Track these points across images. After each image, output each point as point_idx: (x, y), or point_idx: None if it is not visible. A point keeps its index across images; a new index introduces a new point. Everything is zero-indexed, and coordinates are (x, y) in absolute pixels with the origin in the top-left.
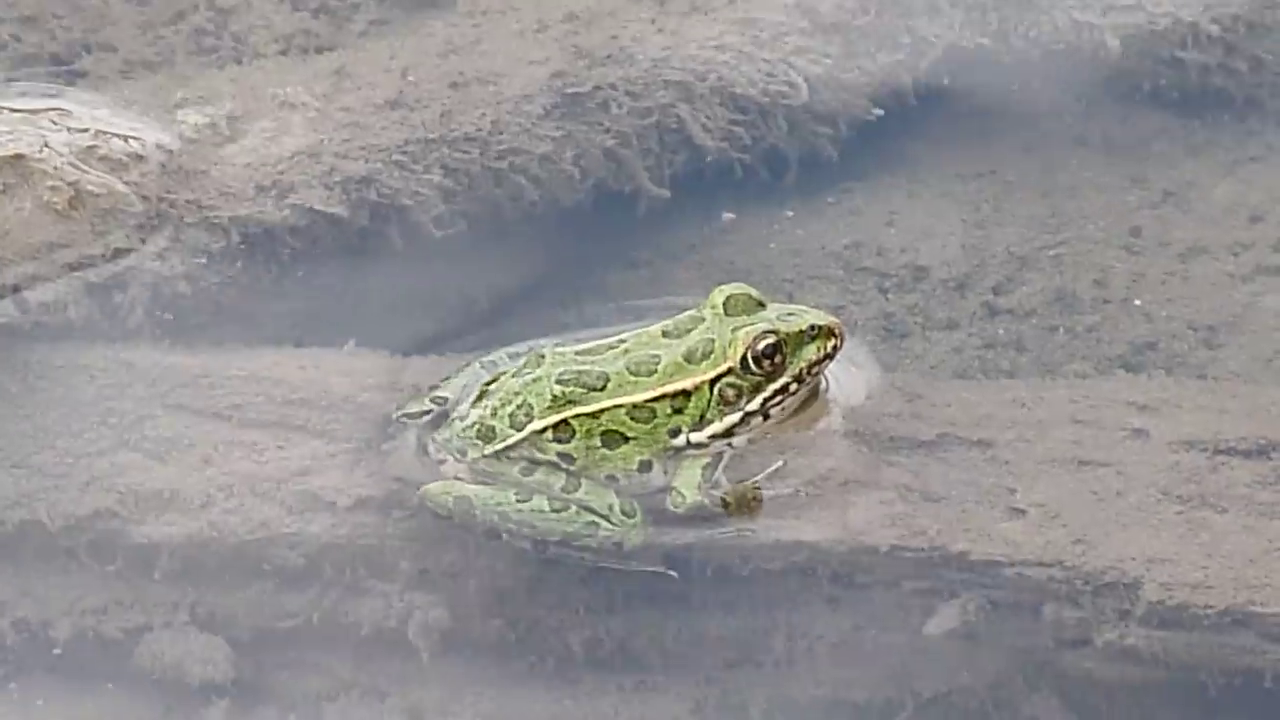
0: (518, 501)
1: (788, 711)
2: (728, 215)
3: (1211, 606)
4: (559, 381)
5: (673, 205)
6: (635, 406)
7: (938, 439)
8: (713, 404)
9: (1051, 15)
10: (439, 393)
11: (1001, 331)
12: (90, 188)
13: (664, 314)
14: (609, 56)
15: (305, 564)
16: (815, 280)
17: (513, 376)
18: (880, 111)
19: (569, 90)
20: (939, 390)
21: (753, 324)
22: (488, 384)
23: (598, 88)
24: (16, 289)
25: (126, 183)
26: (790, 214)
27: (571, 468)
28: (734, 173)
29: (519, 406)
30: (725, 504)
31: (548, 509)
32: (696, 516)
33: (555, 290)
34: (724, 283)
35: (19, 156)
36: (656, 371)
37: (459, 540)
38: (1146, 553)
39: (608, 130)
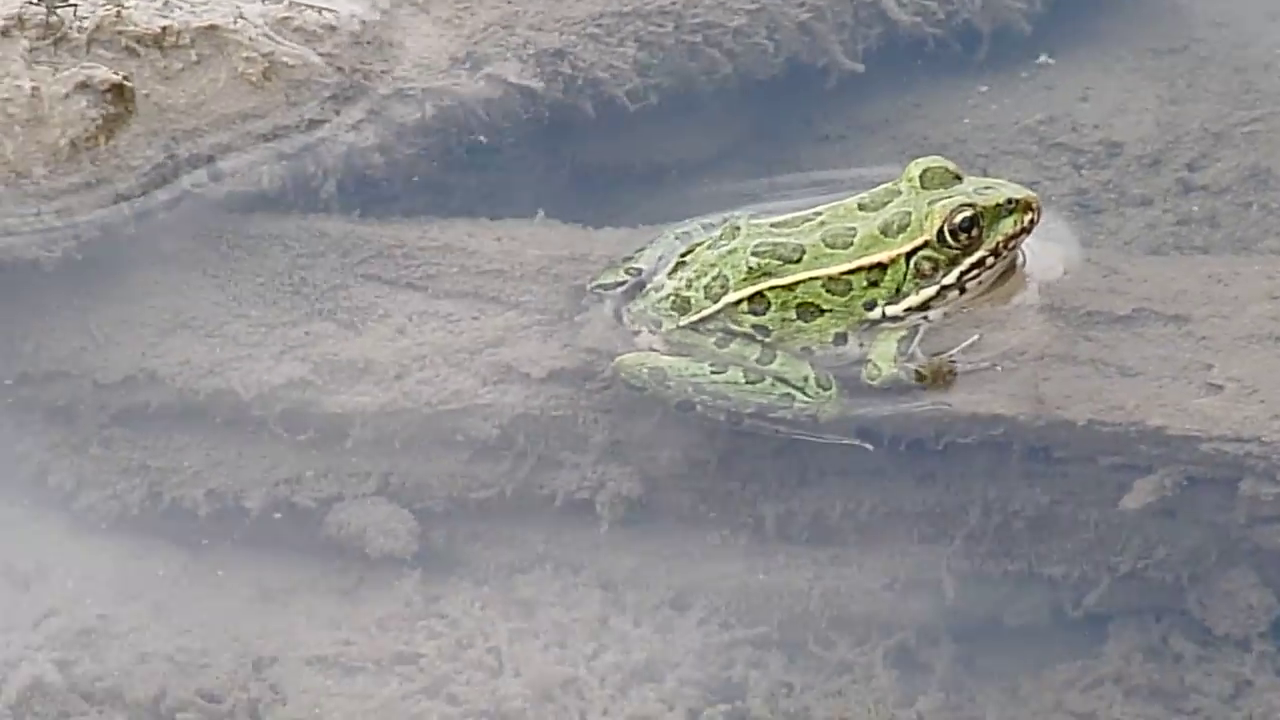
0: (713, 373)
1: (982, 586)
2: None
3: None
4: (754, 253)
5: (866, 79)
6: (831, 279)
7: (1133, 314)
8: (909, 277)
9: None
10: (633, 264)
11: (1196, 208)
12: (284, 59)
13: (856, 188)
14: None
15: (499, 435)
16: (1009, 156)
17: (708, 248)
18: None
19: None
20: (1134, 266)
21: (949, 197)
22: (683, 255)
23: None
24: (211, 159)
25: (320, 54)
26: (984, 89)
27: (767, 340)
28: (927, 46)
29: (714, 278)
30: (920, 377)
31: (743, 380)
32: (892, 390)
33: (747, 163)
34: (919, 156)
35: (213, 27)
36: (853, 244)
37: (652, 412)
38: None
39: (802, 4)
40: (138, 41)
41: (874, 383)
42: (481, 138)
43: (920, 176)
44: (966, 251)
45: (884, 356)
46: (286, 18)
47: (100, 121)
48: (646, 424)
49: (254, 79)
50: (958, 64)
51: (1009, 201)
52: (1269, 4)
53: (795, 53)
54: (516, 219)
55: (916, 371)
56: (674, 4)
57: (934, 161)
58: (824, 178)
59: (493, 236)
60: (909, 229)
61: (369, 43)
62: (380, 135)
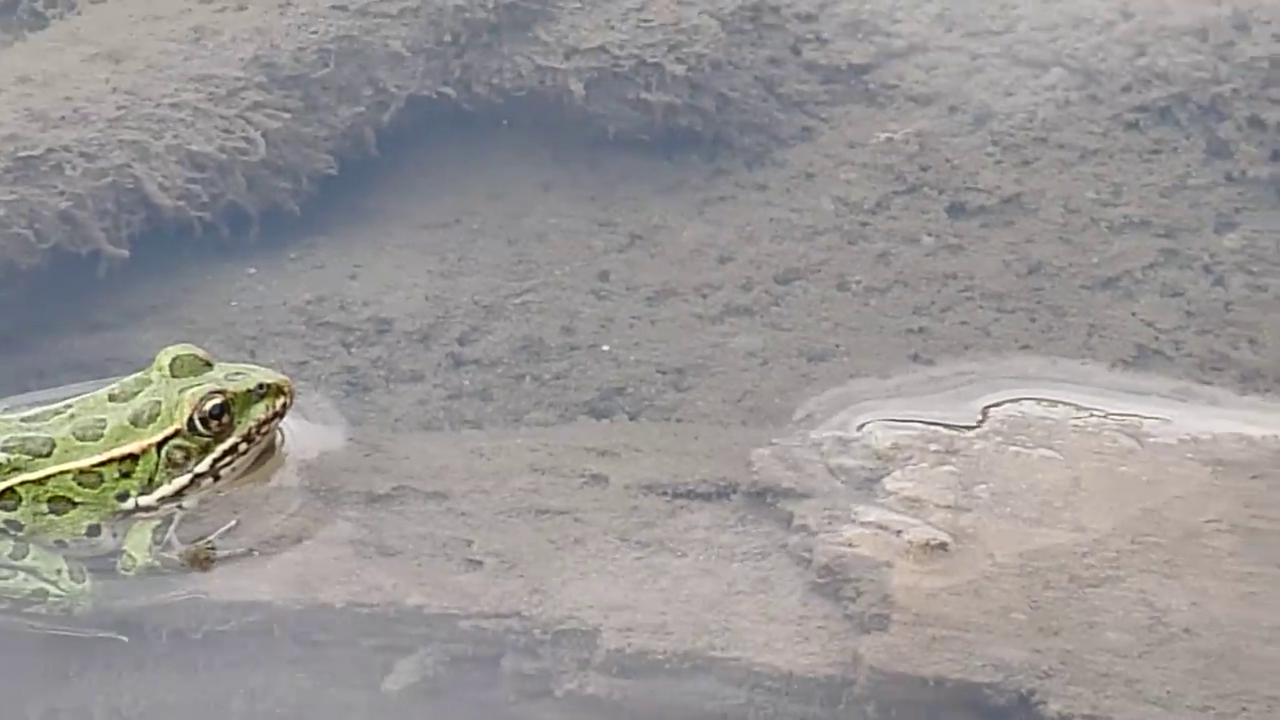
0: None
1: None
2: None
3: (671, 652)
4: (2, 449)
5: (133, 265)
6: (82, 472)
7: (394, 492)
8: (161, 467)
9: (514, 62)
10: None
11: (467, 381)
12: None
13: (124, 375)
14: (63, 118)
15: None
16: (278, 337)
17: None
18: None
19: (21, 154)
20: (398, 443)
21: (199, 384)
22: None
23: (51, 150)
24: None
25: None
26: (253, 271)
27: (19, 535)
28: (194, 230)
29: None
30: (178, 565)
31: None
32: (150, 579)
33: (15, 357)
34: (181, 343)
35: None
36: (103, 436)
37: None
38: (605, 600)
39: (62, 193)
40: None
41: (130, 573)
42: None
43: (170, 365)
44: (218, 438)
45: (138, 547)
46: None
47: None
48: None
49: None
50: (227, 247)
51: (260, 386)
52: (541, 176)
53: (58, 242)
54: None
55: (173, 560)
56: None
57: (184, 349)
58: (93, 367)
59: None
60: (159, 418)
61: None
62: None
